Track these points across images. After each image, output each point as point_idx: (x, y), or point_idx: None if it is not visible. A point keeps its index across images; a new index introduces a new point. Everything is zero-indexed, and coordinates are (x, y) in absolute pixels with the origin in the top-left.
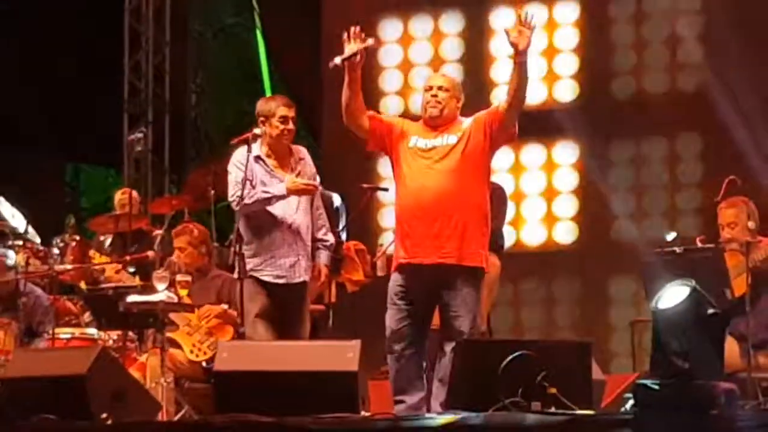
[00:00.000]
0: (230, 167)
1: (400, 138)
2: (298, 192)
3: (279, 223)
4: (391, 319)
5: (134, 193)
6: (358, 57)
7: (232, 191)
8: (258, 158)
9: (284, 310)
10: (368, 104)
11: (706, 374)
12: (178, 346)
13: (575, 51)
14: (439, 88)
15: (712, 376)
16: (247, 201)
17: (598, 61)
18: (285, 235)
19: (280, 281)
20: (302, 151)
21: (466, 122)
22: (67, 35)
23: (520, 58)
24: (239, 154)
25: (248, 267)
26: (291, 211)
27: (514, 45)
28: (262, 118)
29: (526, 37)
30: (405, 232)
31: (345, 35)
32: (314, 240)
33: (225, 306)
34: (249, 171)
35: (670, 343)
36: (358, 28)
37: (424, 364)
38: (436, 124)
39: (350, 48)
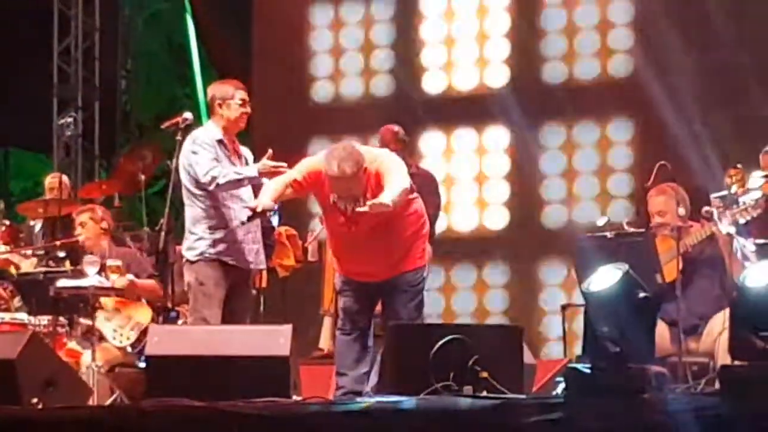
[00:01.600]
0: (196, 147)
1: (320, 193)
2: (268, 174)
3: (242, 210)
4: (341, 300)
5: (64, 178)
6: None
7: (206, 169)
8: (220, 142)
9: (240, 296)
10: (299, 91)
11: (637, 358)
12: (99, 333)
13: (507, 36)
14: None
15: (644, 360)
16: (220, 180)
17: (529, 46)
18: (251, 221)
19: (250, 267)
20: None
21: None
22: None
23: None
24: (204, 136)
25: (214, 251)
26: (249, 198)
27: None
28: (219, 101)
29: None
30: (338, 255)
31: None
32: None
33: (131, 277)
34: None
35: (601, 327)
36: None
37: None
38: (365, 195)
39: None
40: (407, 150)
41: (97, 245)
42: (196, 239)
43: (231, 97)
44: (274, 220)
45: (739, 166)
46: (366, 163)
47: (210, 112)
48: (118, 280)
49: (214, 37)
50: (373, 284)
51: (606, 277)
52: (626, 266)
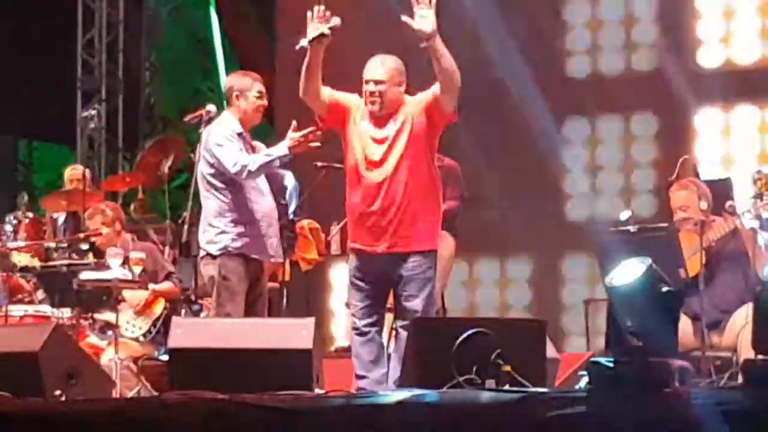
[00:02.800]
0: (221, 140)
1: (353, 120)
2: (300, 147)
3: (266, 202)
4: (353, 297)
5: (86, 171)
6: (324, 38)
7: (234, 160)
8: (240, 134)
9: (256, 288)
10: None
11: (660, 352)
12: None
13: None
14: (376, 82)
15: (667, 354)
16: (251, 167)
17: (551, 40)
18: (271, 214)
19: (270, 260)
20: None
21: (410, 104)
22: (20, 12)
23: (429, 42)
24: (227, 128)
25: (237, 245)
26: (267, 191)
27: (420, 32)
28: (236, 93)
29: (429, 20)
30: (355, 218)
31: (309, 15)
32: None
33: (152, 286)
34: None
35: (624, 321)
36: (322, 8)
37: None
38: (379, 115)
39: (316, 29)
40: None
41: (112, 245)
42: (218, 233)
43: (249, 89)
44: (292, 206)
45: (766, 170)
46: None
47: (227, 103)
48: (139, 293)
49: (238, 30)
50: (381, 262)
51: (629, 271)
52: (649, 260)
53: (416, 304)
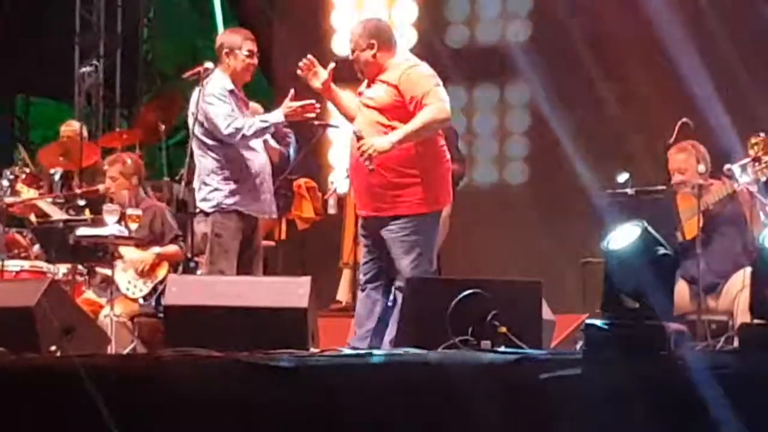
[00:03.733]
0: (212, 99)
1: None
2: (295, 115)
3: (259, 158)
4: (361, 254)
5: (82, 127)
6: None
7: (228, 121)
8: (232, 92)
9: (251, 245)
10: (320, 43)
11: (656, 315)
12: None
13: None
14: (351, 50)
15: (663, 317)
16: (246, 132)
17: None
18: (264, 170)
19: (264, 216)
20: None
21: (394, 72)
22: None
23: (396, 147)
24: (216, 86)
25: (230, 201)
26: (260, 147)
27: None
28: (226, 50)
29: (377, 144)
30: (351, 180)
31: (299, 70)
32: None
33: (156, 249)
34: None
35: (620, 283)
36: (310, 59)
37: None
38: (366, 78)
39: (314, 79)
40: None
41: (124, 198)
42: (211, 190)
43: (239, 47)
44: (291, 151)
45: (762, 134)
46: (381, 57)
47: (218, 60)
48: (145, 255)
49: None
50: (371, 223)
51: (625, 235)
52: (644, 223)
53: (402, 265)
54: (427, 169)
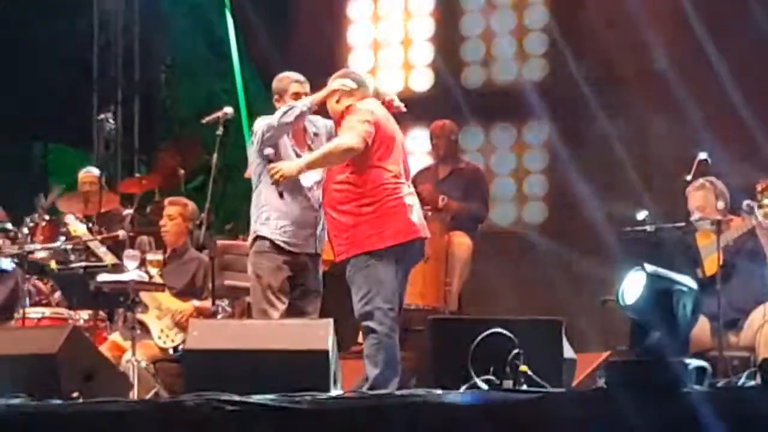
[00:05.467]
0: (255, 127)
1: None
2: (323, 99)
3: (301, 189)
4: None
5: (100, 174)
6: None
7: (261, 126)
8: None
9: (302, 284)
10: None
11: (677, 353)
12: (146, 328)
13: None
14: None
15: (684, 354)
16: (274, 123)
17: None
18: (306, 203)
19: (312, 252)
20: (319, 124)
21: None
22: (36, 14)
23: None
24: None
25: (268, 231)
26: (308, 182)
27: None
28: (276, 96)
29: (283, 170)
30: None
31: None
32: None
33: (195, 303)
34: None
35: (641, 328)
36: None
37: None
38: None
39: None
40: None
41: (176, 241)
42: (257, 225)
43: (285, 92)
44: None
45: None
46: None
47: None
48: (184, 306)
49: (254, 32)
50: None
51: (633, 285)
52: (649, 267)
53: (354, 303)
54: (371, 207)
